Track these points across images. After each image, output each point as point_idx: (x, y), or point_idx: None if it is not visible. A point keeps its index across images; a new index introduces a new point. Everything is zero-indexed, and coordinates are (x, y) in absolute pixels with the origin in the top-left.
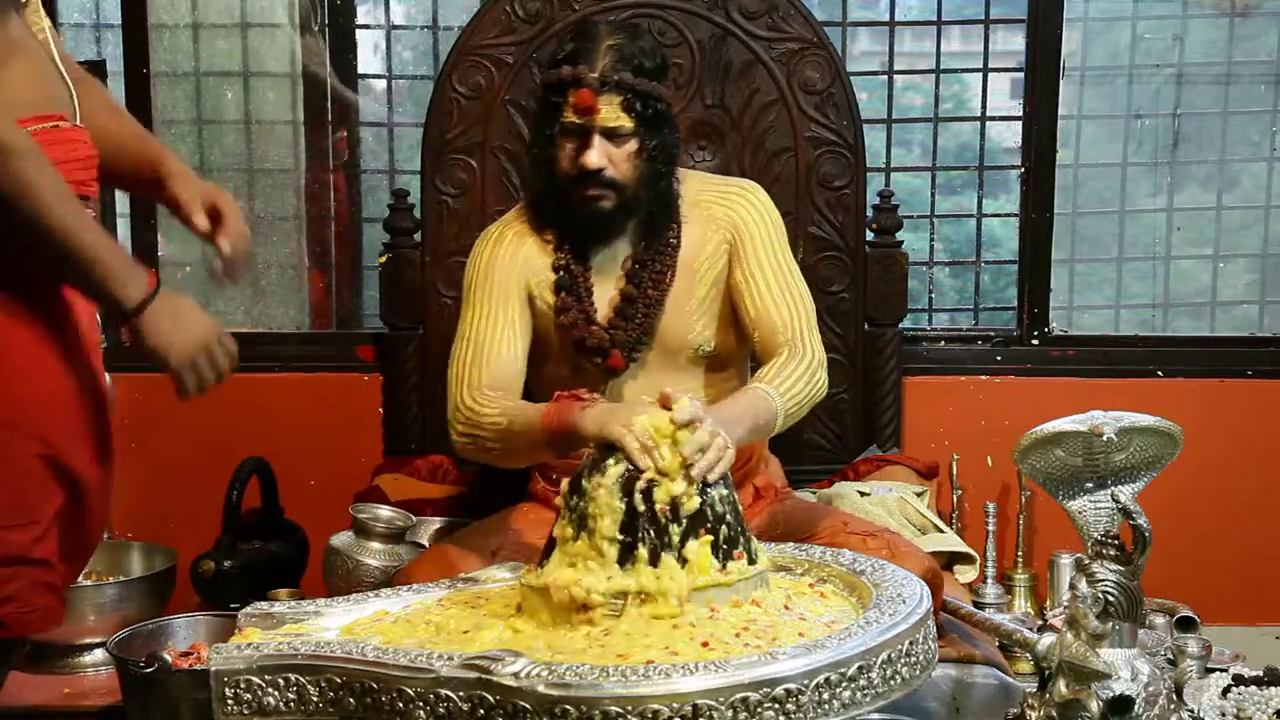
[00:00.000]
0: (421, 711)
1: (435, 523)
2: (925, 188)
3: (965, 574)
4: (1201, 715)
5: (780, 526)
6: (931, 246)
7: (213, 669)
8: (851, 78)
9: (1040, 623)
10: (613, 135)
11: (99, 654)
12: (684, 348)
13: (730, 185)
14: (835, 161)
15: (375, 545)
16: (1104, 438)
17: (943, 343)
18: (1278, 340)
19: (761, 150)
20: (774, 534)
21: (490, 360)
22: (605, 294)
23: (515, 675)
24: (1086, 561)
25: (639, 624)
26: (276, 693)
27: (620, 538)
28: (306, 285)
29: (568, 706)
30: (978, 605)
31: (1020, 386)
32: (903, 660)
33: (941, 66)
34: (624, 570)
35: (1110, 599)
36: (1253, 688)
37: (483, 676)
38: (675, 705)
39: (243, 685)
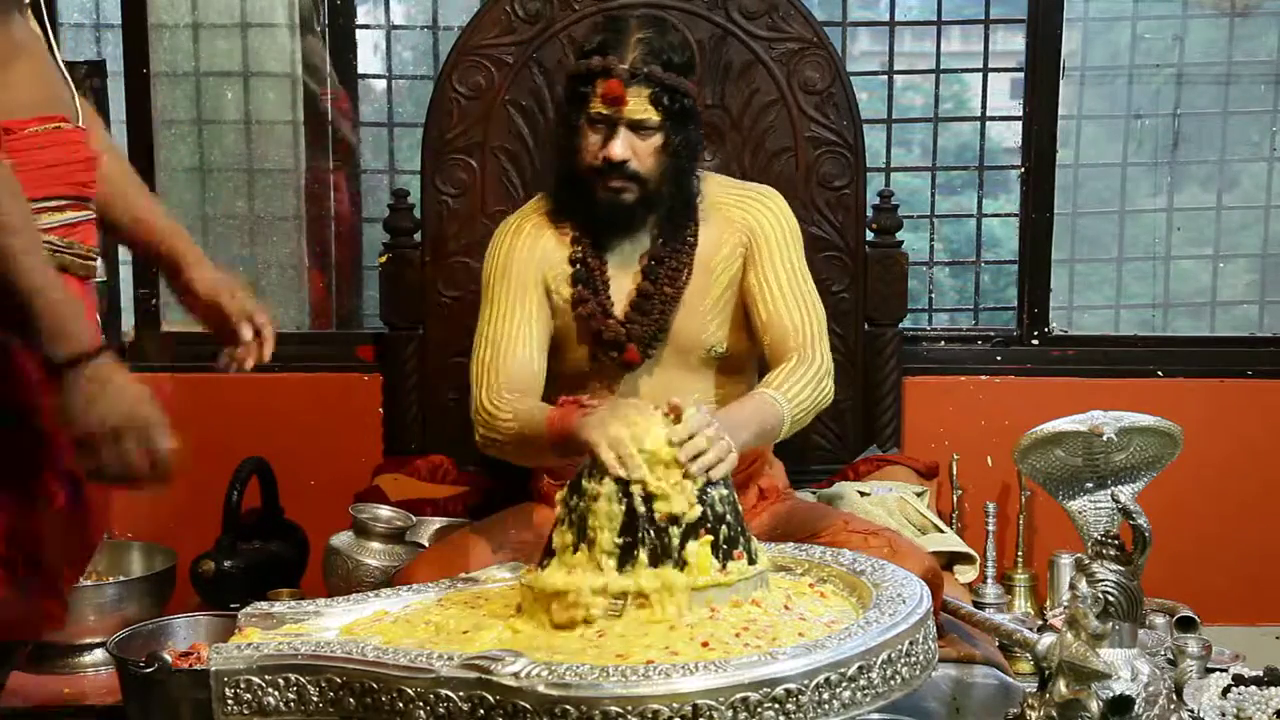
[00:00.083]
0: (421, 711)
1: (435, 523)
2: (925, 188)
3: (965, 574)
4: (1201, 715)
5: (781, 526)
6: (931, 246)
7: (213, 669)
8: (851, 78)
9: (1040, 623)
10: (638, 128)
11: (99, 654)
12: (697, 347)
13: (750, 190)
14: (835, 161)
15: (375, 545)
16: (1104, 438)
17: (943, 343)
18: (1278, 340)
19: (761, 150)
20: (775, 534)
21: (508, 361)
22: (622, 288)
23: (515, 675)
24: (1086, 561)
25: (638, 625)
26: (276, 693)
27: (620, 540)
28: (306, 285)
29: (568, 706)
30: (978, 605)
31: (1020, 386)
32: (903, 660)
33: (941, 66)
34: (624, 572)
35: (1110, 599)
36: (1253, 688)
37: (483, 676)
38: (675, 705)
39: (243, 685)
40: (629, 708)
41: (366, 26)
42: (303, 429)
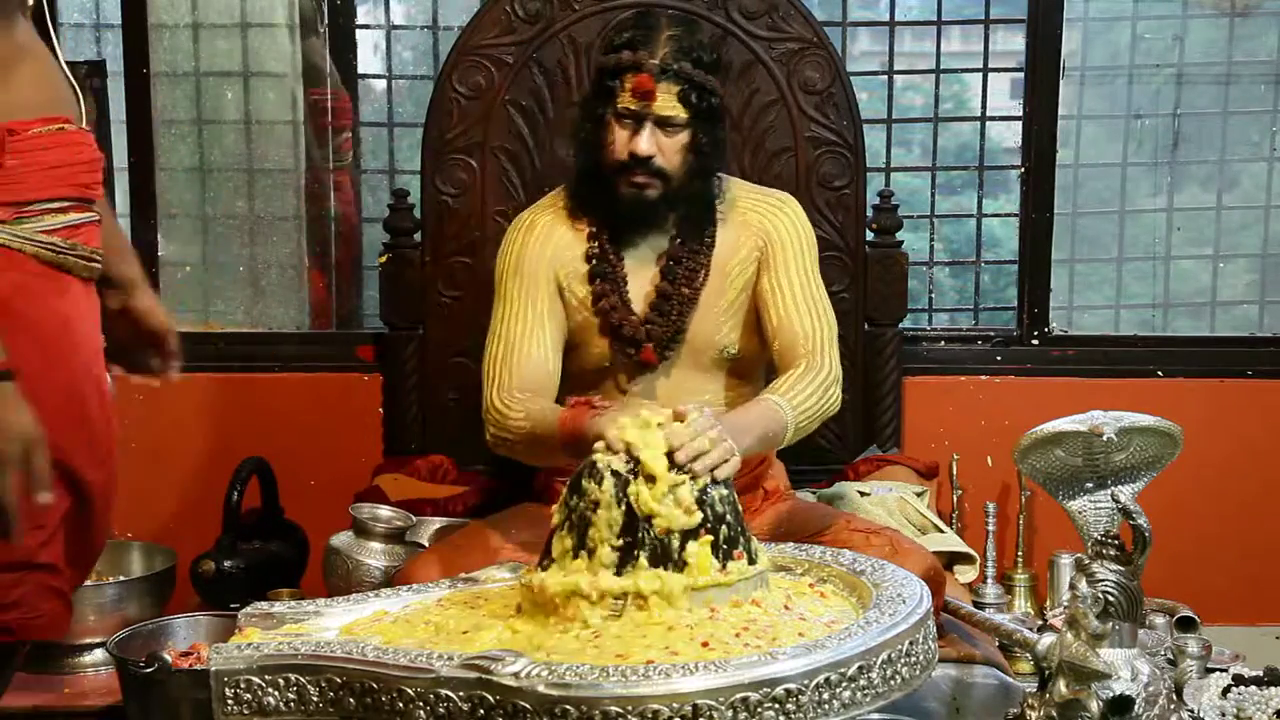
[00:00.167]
0: (421, 711)
1: (435, 523)
2: (925, 188)
3: (965, 574)
4: (1201, 715)
5: (783, 526)
6: (931, 246)
7: (213, 669)
8: (851, 78)
9: (1040, 623)
10: (665, 125)
11: (99, 654)
12: (709, 348)
13: (769, 195)
14: (835, 161)
15: (375, 545)
16: (1104, 438)
17: (943, 343)
18: (1278, 340)
19: (761, 150)
20: (777, 534)
21: (521, 360)
22: (639, 285)
23: (515, 675)
24: (1086, 561)
25: (637, 625)
26: (276, 693)
27: (619, 541)
28: (306, 285)
29: (568, 706)
30: (978, 605)
31: (1020, 386)
32: (903, 660)
33: (941, 66)
34: (624, 572)
35: (1110, 599)
36: (1253, 688)
37: (483, 676)
38: (675, 705)
39: (243, 685)
40: (629, 708)
41: (366, 26)
42: (303, 429)
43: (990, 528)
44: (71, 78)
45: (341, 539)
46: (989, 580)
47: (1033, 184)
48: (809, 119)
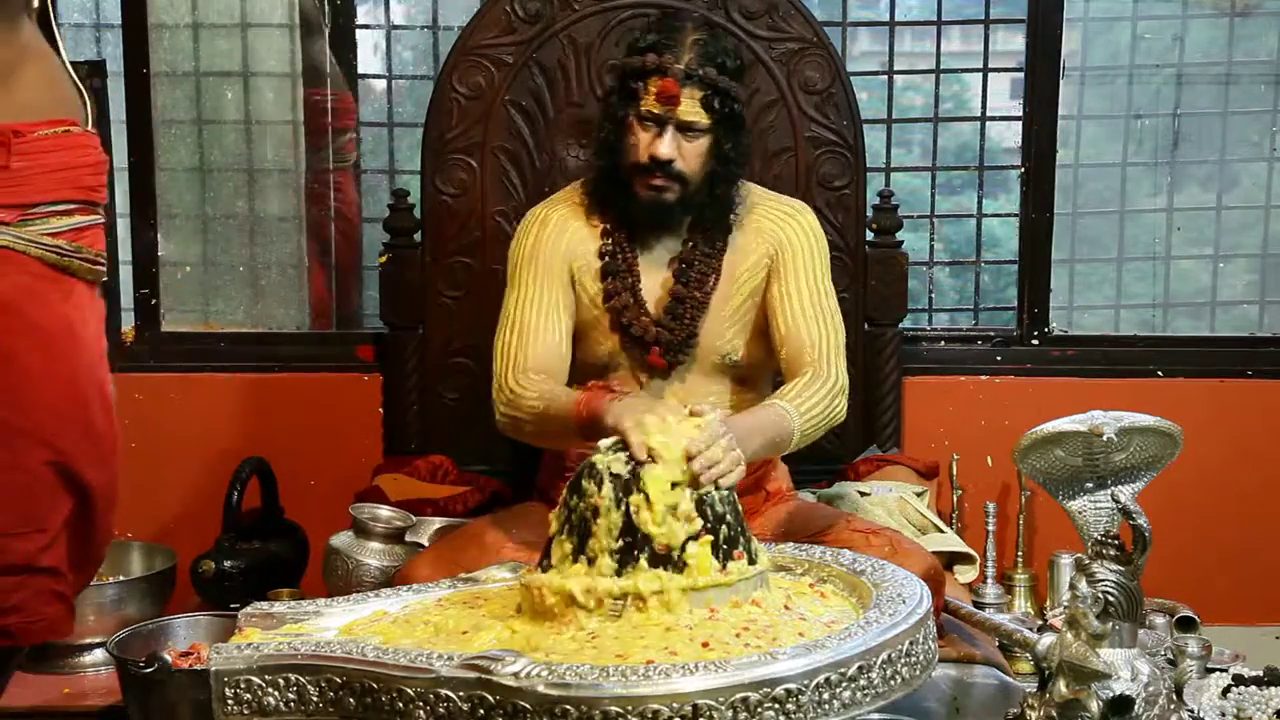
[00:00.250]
0: (421, 711)
1: (435, 523)
2: (925, 188)
3: (965, 574)
4: (1201, 715)
5: (784, 526)
6: (931, 246)
7: (213, 669)
8: (851, 78)
9: (1040, 623)
10: (687, 129)
11: (99, 654)
12: (713, 353)
13: (783, 203)
14: (835, 161)
15: (375, 545)
16: (1104, 438)
17: (943, 343)
18: (1278, 340)
19: (761, 150)
20: (778, 534)
21: (534, 343)
22: (650, 286)
23: (515, 675)
24: (1086, 561)
25: (635, 626)
26: (276, 693)
27: (619, 542)
28: (306, 285)
29: (568, 706)
30: (978, 605)
31: (1020, 386)
32: (903, 660)
33: (941, 66)
34: (624, 573)
35: (1110, 599)
36: (1253, 688)
37: (483, 676)
38: (675, 705)
39: (243, 685)
40: (629, 708)
41: (366, 26)
42: (303, 429)
43: (990, 528)
44: (77, 80)
45: (341, 539)
46: (989, 580)
47: (1033, 184)
48: (809, 119)
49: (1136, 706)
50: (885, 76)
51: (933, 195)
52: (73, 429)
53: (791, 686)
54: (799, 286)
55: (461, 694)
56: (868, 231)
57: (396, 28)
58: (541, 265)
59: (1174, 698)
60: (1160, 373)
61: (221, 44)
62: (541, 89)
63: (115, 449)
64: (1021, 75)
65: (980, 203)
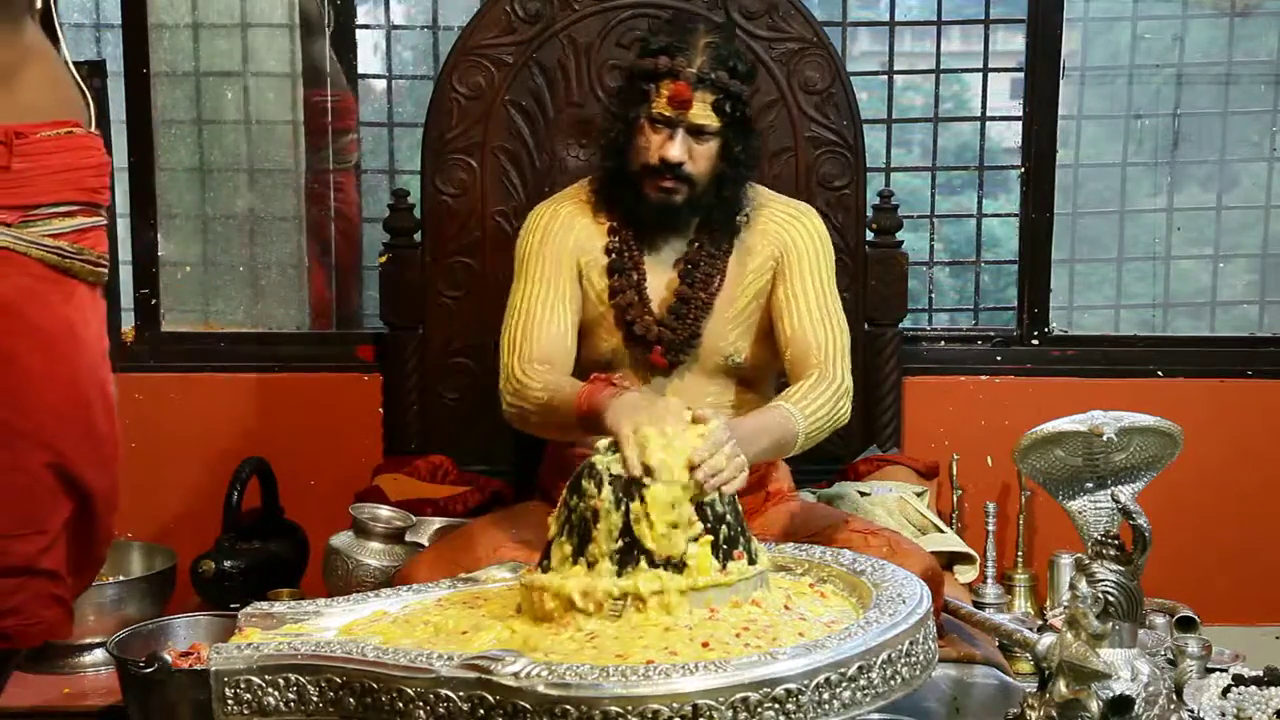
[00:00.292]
0: (421, 711)
1: (435, 523)
2: (925, 188)
3: (965, 574)
4: (1201, 715)
5: (784, 526)
6: (931, 246)
7: (213, 669)
8: (851, 78)
9: (1040, 623)
10: (698, 132)
11: (99, 654)
12: (715, 354)
13: (789, 206)
14: (835, 161)
15: (375, 545)
16: (1104, 438)
17: (943, 343)
18: (1278, 340)
19: (762, 150)
20: (778, 534)
21: (541, 333)
22: (654, 285)
23: (515, 675)
24: (1086, 561)
25: (634, 627)
26: (276, 693)
27: (619, 543)
28: (306, 285)
29: (568, 706)
30: (978, 605)
31: (1020, 386)
32: (903, 660)
33: (941, 66)
34: (624, 574)
35: (1110, 599)
36: (1253, 688)
37: (483, 676)
38: (675, 705)
39: (243, 685)
40: (629, 708)
41: (366, 26)
42: (303, 429)
43: (990, 528)
44: (80, 81)
45: (341, 539)
46: (989, 580)
47: (1033, 184)
48: (809, 119)
49: (1136, 706)
50: (885, 76)
51: (933, 195)
52: (73, 431)
53: (791, 686)
54: (805, 289)
55: (461, 694)
56: (868, 231)
57: (396, 28)
58: (549, 259)
59: (1174, 698)
60: (1160, 373)
61: (221, 44)
62: (541, 89)
63: (116, 451)
64: (1021, 75)
65: (980, 203)
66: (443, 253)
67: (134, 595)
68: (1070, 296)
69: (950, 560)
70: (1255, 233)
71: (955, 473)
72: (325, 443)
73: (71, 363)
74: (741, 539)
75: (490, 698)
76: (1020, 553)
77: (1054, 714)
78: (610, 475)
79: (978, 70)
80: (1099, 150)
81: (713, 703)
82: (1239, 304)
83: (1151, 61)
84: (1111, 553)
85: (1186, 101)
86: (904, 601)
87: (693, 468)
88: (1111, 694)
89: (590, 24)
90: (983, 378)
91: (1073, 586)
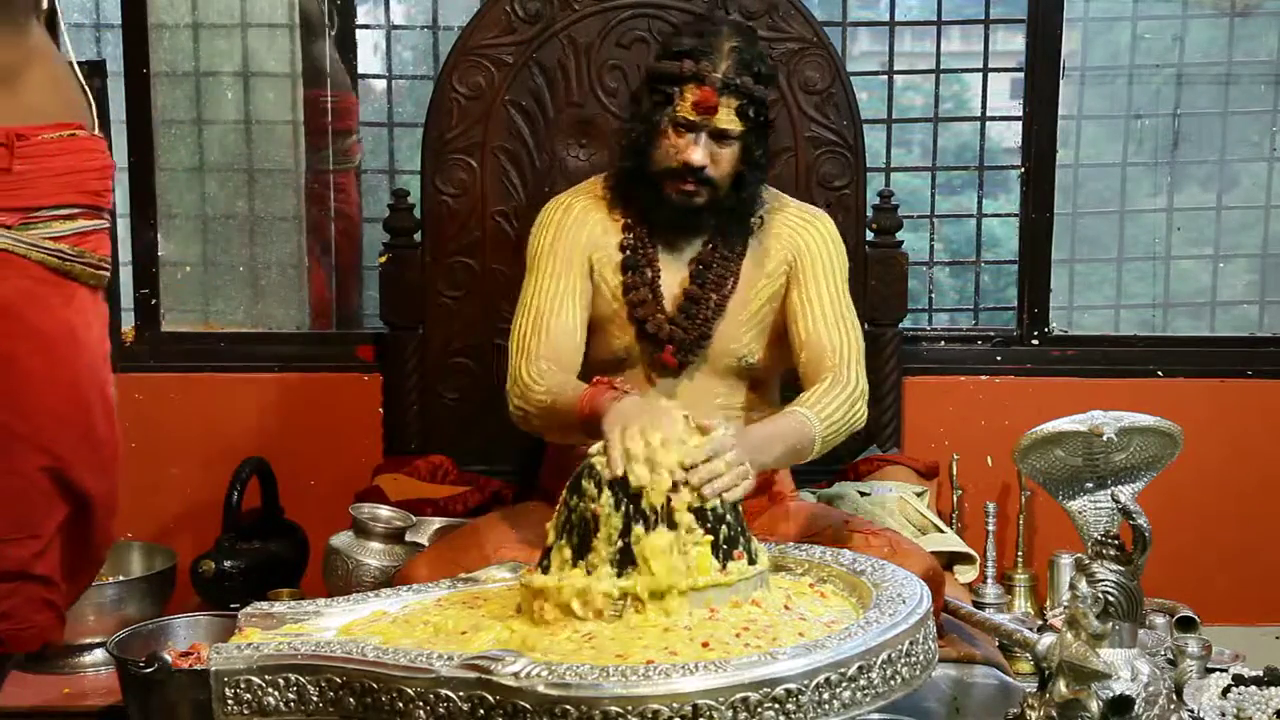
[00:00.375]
0: (421, 711)
1: (435, 523)
2: (925, 188)
3: (965, 574)
4: (1201, 715)
5: (785, 527)
6: (931, 246)
7: (213, 669)
8: (851, 78)
9: (1040, 623)
10: (720, 136)
11: (99, 654)
12: (728, 355)
13: (803, 210)
14: (835, 161)
15: (375, 545)
16: (1104, 438)
17: (943, 343)
18: (1278, 340)
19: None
20: (778, 534)
21: (549, 332)
22: (667, 285)
23: (515, 675)
24: (1086, 561)
25: (632, 627)
26: (276, 693)
27: (619, 543)
28: (306, 285)
29: (568, 706)
30: (978, 605)
31: (1020, 386)
32: (903, 660)
33: (941, 66)
34: (624, 574)
35: (1110, 599)
36: (1253, 688)
37: (483, 676)
38: (675, 705)
39: (243, 685)
40: (629, 708)
41: (366, 26)
42: (303, 429)
43: (990, 528)
44: (84, 84)
45: (341, 539)
46: (989, 580)
47: (1033, 184)
48: (809, 119)
49: (1136, 706)
50: (885, 76)
51: (933, 195)
52: (72, 434)
53: (791, 686)
54: (819, 293)
55: (461, 694)
56: (868, 231)
57: (396, 28)
58: (561, 254)
59: (1174, 698)
60: (1160, 373)
61: (221, 44)
62: (541, 89)
63: (116, 456)
64: (1021, 75)
65: (980, 203)
66: (443, 253)
67: (134, 595)
68: (1070, 296)
69: (950, 560)
70: (1255, 233)
71: (955, 473)
72: (325, 443)
73: (72, 366)
74: (741, 539)
75: (490, 698)
76: (1020, 553)
77: (1054, 714)
78: (610, 478)
79: (978, 70)
80: (1099, 150)
81: (713, 703)
82: (1239, 304)
83: (1151, 61)
84: (1111, 553)
85: (1186, 101)
86: (904, 601)
87: (687, 470)
88: (1111, 694)
89: (590, 24)
90: (983, 378)
91: (1073, 586)
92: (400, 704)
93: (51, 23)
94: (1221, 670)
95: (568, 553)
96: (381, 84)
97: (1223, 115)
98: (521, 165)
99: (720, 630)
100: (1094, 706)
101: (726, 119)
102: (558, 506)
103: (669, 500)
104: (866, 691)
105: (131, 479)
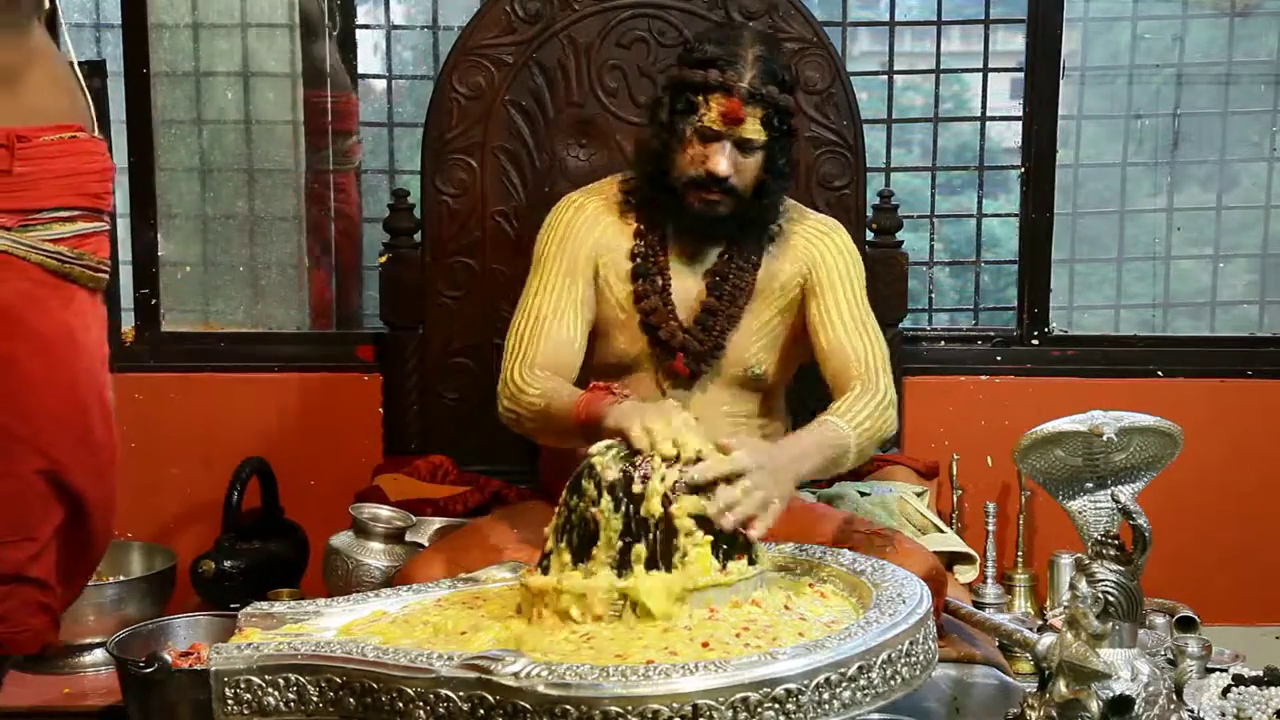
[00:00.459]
0: (421, 711)
1: (435, 523)
2: (925, 188)
3: (965, 574)
4: (1201, 715)
5: (785, 527)
6: (931, 246)
7: (213, 669)
8: (851, 78)
9: (1040, 623)
10: (744, 145)
11: (99, 654)
12: (737, 366)
13: (819, 221)
14: (835, 161)
15: (375, 545)
16: (1104, 438)
17: (943, 343)
18: (1278, 340)
19: None
20: (778, 534)
21: (546, 337)
22: (681, 292)
23: (515, 675)
24: (1086, 561)
25: (631, 628)
26: (276, 693)
27: (619, 544)
28: (306, 285)
29: (568, 706)
30: (978, 605)
31: (1020, 386)
32: (903, 660)
33: (941, 66)
34: (624, 575)
35: (1110, 599)
36: (1253, 688)
37: (483, 676)
38: (675, 705)
39: (243, 685)
40: (629, 708)
41: (366, 26)
42: (303, 429)
43: (990, 528)
44: (85, 86)
45: (341, 539)
46: (989, 580)
47: (1033, 184)
48: (809, 119)
49: (1136, 706)
50: (885, 76)
51: (933, 195)
52: (69, 437)
53: (791, 686)
54: (838, 302)
55: (461, 694)
56: (868, 231)
57: (396, 28)
58: (567, 256)
59: (1174, 698)
60: (1160, 373)
61: (221, 44)
62: (541, 89)
63: (114, 459)
64: (1021, 75)
65: (980, 203)
66: (443, 253)
67: (134, 595)
68: (1070, 296)
69: (950, 560)
70: (1255, 233)
71: (955, 473)
72: (325, 443)
73: (70, 368)
74: (742, 539)
75: (490, 698)
76: (1020, 553)
77: (1054, 714)
78: (609, 481)
79: (978, 70)
80: (1099, 150)
81: (713, 703)
82: (1239, 304)
83: (1151, 61)
84: (1111, 553)
85: (1186, 101)
86: (904, 601)
87: (695, 489)
88: (1111, 694)
89: (590, 24)
90: (983, 378)
91: (1073, 586)
92: (400, 704)
93: (52, 23)
94: (1221, 670)
95: (567, 556)
96: (381, 84)
97: (1223, 115)
98: (521, 165)
99: (720, 630)
100: (1094, 706)
101: (752, 129)
102: (558, 507)
103: (667, 507)
104: (866, 691)
105: (131, 479)
